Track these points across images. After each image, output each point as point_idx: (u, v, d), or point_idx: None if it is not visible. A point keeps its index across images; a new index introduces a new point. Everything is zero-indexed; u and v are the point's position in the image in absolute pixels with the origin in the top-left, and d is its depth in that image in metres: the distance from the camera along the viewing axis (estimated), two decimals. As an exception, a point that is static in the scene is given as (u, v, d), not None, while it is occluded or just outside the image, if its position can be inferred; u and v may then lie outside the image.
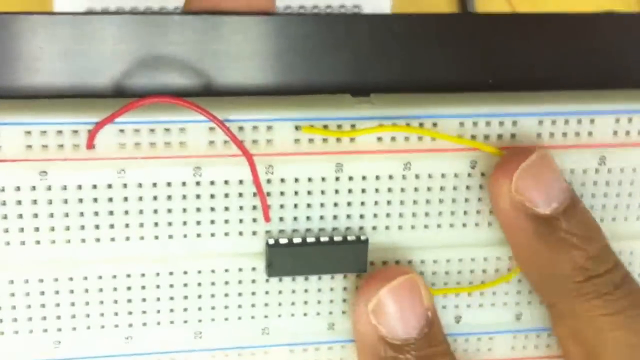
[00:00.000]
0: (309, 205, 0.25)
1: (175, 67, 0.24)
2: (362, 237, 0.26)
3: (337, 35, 0.25)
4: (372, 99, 0.25)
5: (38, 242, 0.24)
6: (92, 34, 0.24)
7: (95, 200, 0.24)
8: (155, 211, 0.25)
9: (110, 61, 0.24)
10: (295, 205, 0.25)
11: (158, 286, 0.26)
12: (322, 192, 0.25)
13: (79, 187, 0.24)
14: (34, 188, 0.24)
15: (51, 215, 0.24)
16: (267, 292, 0.26)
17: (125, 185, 0.24)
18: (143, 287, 0.25)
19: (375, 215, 0.26)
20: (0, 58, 0.24)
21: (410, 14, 0.26)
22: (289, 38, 0.25)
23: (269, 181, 0.25)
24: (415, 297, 0.24)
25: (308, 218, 0.26)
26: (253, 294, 0.26)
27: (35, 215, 0.24)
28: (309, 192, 0.25)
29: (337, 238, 0.26)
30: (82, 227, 0.24)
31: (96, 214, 0.24)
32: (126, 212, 0.25)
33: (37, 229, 0.24)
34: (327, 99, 0.25)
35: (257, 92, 0.25)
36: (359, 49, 0.25)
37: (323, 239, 0.25)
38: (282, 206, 0.25)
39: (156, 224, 0.25)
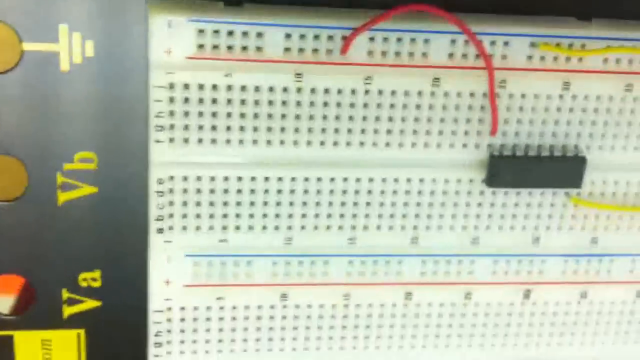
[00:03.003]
0: (531, 122, 0.27)
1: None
2: (580, 155, 0.27)
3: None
4: (594, 23, 0.26)
5: (281, 143, 0.26)
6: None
7: (339, 105, 0.26)
8: (391, 119, 0.26)
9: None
10: (519, 120, 0.26)
11: (382, 192, 0.27)
12: (546, 109, 0.26)
13: (327, 90, 0.25)
14: (285, 90, 0.25)
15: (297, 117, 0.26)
16: (479, 204, 0.28)
17: (367, 92, 0.25)
18: (369, 192, 0.27)
19: (591, 135, 0.27)
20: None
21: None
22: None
23: (497, 95, 0.26)
24: None
25: (529, 134, 0.27)
26: (467, 205, 0.28)
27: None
28: (533, 109, 0.26)
29: (556, 154, 0.27)
30: (323, 130, 0.26)
31: (338, 118, 0.26)
32: (364, 119, 0.26)
33: (269, 130, 0.26)
34: (556, 20, 0.26)
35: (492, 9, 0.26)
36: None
37: (544, 154, 0.27)
38: (506, 121, 0.26)
39: (389, 132, 0.26)
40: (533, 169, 0.27)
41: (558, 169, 0.27)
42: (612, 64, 0.26)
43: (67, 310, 0.27)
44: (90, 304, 0.27)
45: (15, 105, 0.24)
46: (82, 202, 0.26)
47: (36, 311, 0.27)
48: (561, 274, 0.29)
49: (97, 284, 0.27)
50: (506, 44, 0.26)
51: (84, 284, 0.27)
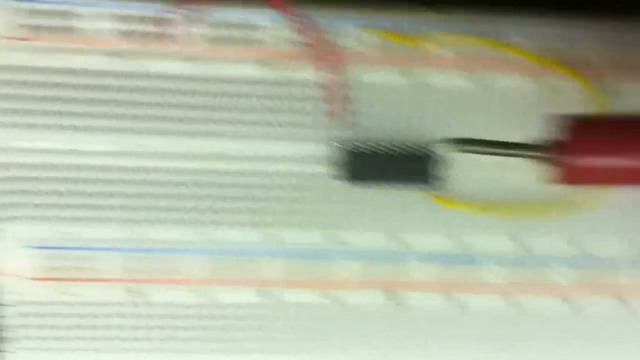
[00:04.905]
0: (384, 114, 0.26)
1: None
2: (435, 151, 0.26)
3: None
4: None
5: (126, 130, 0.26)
6: None
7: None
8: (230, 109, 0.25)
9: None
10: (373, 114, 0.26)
11: (235, 184, 0.26)
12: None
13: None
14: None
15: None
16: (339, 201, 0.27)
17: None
18: (219, 186, 0.26)
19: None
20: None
21: None
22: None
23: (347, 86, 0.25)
24: None
25: (383, 128, 0.26)
26: (325, 201, 0.27)
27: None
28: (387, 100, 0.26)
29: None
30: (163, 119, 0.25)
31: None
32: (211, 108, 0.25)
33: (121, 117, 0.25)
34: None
35: None
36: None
37: (398, 149, 0.26)
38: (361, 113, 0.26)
39: (243, 122, 0.25)
40: (390, 164, 0.26)
41: (414, 165, 0.26)
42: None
43: None
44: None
45: None
46: None
47: None
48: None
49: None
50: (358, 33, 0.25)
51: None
